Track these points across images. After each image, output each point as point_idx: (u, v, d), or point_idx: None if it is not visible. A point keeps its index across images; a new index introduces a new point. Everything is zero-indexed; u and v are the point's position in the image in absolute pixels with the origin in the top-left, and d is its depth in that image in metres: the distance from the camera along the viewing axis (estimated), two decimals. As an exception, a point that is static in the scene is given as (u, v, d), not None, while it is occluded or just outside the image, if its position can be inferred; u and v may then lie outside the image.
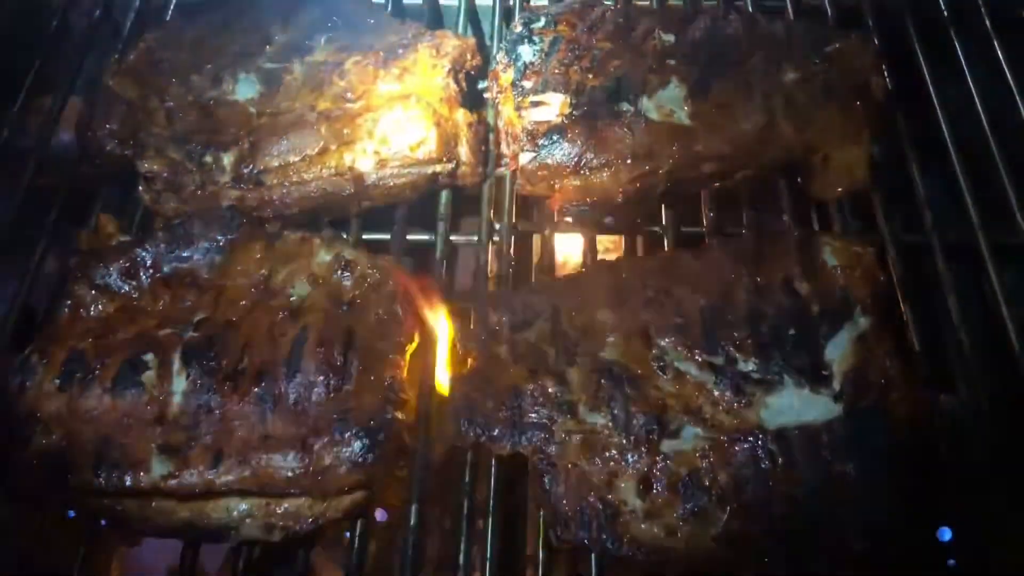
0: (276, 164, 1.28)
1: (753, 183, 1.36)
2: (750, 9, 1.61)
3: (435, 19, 1.63)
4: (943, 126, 1.43)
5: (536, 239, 1.38)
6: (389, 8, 1.63)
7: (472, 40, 1.47)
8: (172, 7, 1.64)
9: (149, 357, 1.14)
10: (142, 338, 1.16)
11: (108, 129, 1.37)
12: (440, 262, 1.32)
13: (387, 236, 1.35)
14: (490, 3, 1.67)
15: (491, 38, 1.58)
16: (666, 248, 1.32)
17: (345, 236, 1.32)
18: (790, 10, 1.60)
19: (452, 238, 1.35)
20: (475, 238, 1.35)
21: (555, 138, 1.29)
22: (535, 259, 1.40)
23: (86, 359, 1.13)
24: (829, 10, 1.59)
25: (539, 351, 1.15)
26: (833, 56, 1.39)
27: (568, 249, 1.53)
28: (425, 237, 1.36)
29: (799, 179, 1.34)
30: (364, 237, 1.35)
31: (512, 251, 1.32)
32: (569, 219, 1.35)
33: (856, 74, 1.37)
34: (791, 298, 1.15)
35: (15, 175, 1.44)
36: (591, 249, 1.31)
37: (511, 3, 1.64)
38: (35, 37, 1.65)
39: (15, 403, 1.10)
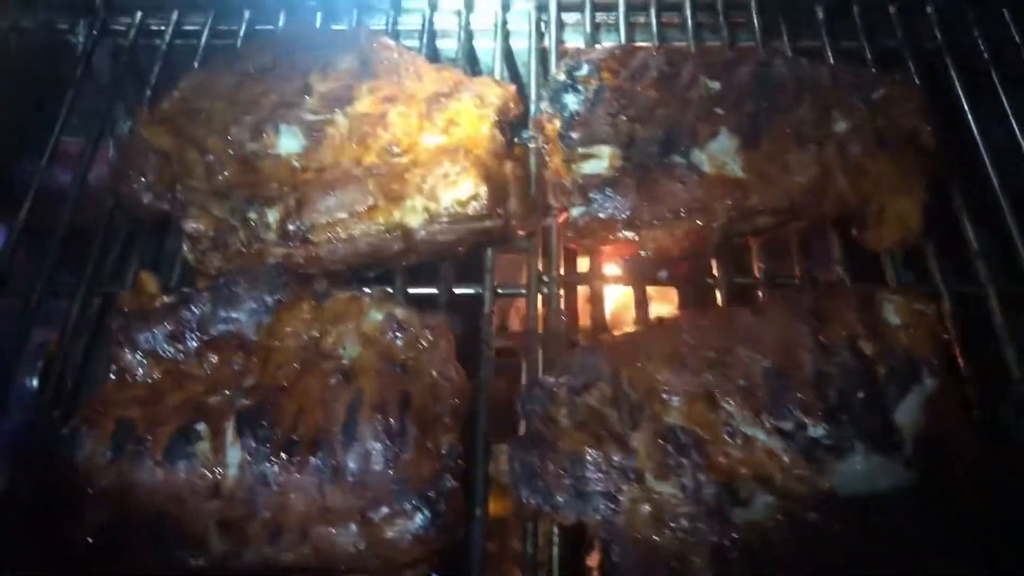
0: (324, 221, 1.25)
1: (803, 232, 1.34)
2: (787, 49, 1.59)
3: (471, 63, 1.61)
4: (990, 170, 1.41)
5: (585, 291, 1.35)
6: (423, 51, 1.61)
7: (513, 88, 1.45)
8: (201, 50, 1.61)
9: (201, 427, 1.10)
10: (192, 405, 1.13)
11: (144, 181, 1.34)
12: (489, 317, 1.29)
13: (434, 290, 1.32)
14: (524, 46, 1.66)
15: (528, 84, 1.55)
16: (719, 300, 1.29)
17: (391, 291, 1.29)
18: (828, 51, 1.58)
19: (500, 291, 1.32)
20: (523, 291, 1.32)
21: (607, 192, 1.27)
22: (585, 312, 1.38)
23: (136, 430, 1.10)
24: (868, 51, 1.58)
25: (600, 414, 1.13)
26: (880, 103, 1.38)
27: (618, 300, 1.51)
28: (471, 291, 1.34)
29: (854, 231, 1.31)
30: (410, 291, 1.32)
31: (563, 304, 1.30)
32: (619, 271, 1.33)
33: (904, 121, 1.35)
34: (856, 359, 1.13)
35: (47, 224, 1.41)
36: (642, 302, 1.29)
37: (546, 45, 1.62)
38: (58, 80, 1.62)
39: (64, 477, 1.07)
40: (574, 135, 1.33)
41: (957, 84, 1.52)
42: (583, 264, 1.37)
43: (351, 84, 1.39)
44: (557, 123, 1.37)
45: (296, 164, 1.31)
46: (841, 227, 1.34)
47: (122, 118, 1.66)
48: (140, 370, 1.18)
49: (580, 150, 1.31)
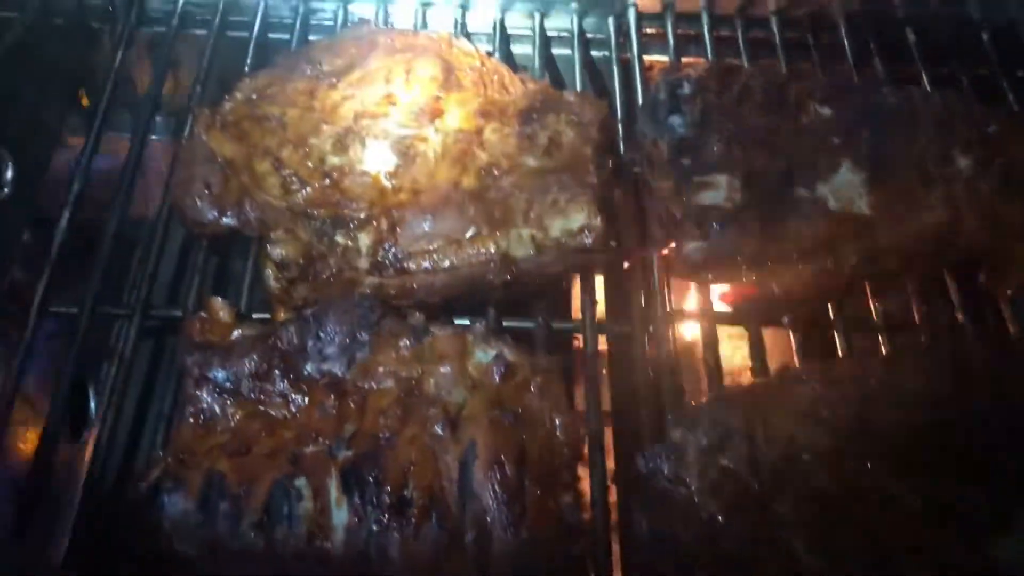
0: (421, 248, 1.13)
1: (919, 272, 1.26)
2: (880, 71, 1.51)
3: (550, 71, 1.50)
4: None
5: (694, 331, 1.26)
6: (497, 55, 1.49)
7: (605, 104, 1.34)
8: (252, 44, 1.47)
9: (301, 482, 0.98)
10: (286, 456, 1.01)
11: (208, 194, 1.21)
12: (592, 357, 1.18)
13: (529, 324, 1.21)
14: (599, 55, 1.55)
15: (613, 98, 1.44)
16: (838, 345, 1.21)
17: (492, 327, 1.18)
18: (925, 79, 1.51)
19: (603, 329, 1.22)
20: (627, 328, 1.22)
21: (726, 226, 1.18)
22: (689, 351, 1.29)
23: (227, 486, 0.97)
24: (966, 81, 1.51)
25: (734, 476, 1.04)
26: (996, 139, 1.30)
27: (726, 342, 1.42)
28: (570, 326, 1.23)
29: (981, 275, 1.24)
30: (505, 324, 1.20)
31: (673, 344, 1.20)
32: (728, 309, 1.24)
33: (1022, 159, 1.29)
34: (1007, 422, 1.06)
35: (91, 238, 1.26)
36: (758, 347, 1.20)
37: (628, 55, 1.52)
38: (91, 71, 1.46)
39: (147, 544, 0.93)
40: (686, 161, 1.23)
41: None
42: (686, 298, 1.28)
43: (438, 95, 1.27)
44: (663, 147, 1.26)
45: (387, 183, 1.18)
46: (958, 268, 1.27)
47: (163, 117, 1.50)
48: (221, 413, 1.05)
49: (695, 179, 1.21)
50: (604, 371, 1.26)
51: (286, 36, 1.50)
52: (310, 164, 1.20)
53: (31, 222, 1.29)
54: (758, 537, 0.99)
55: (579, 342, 1.23)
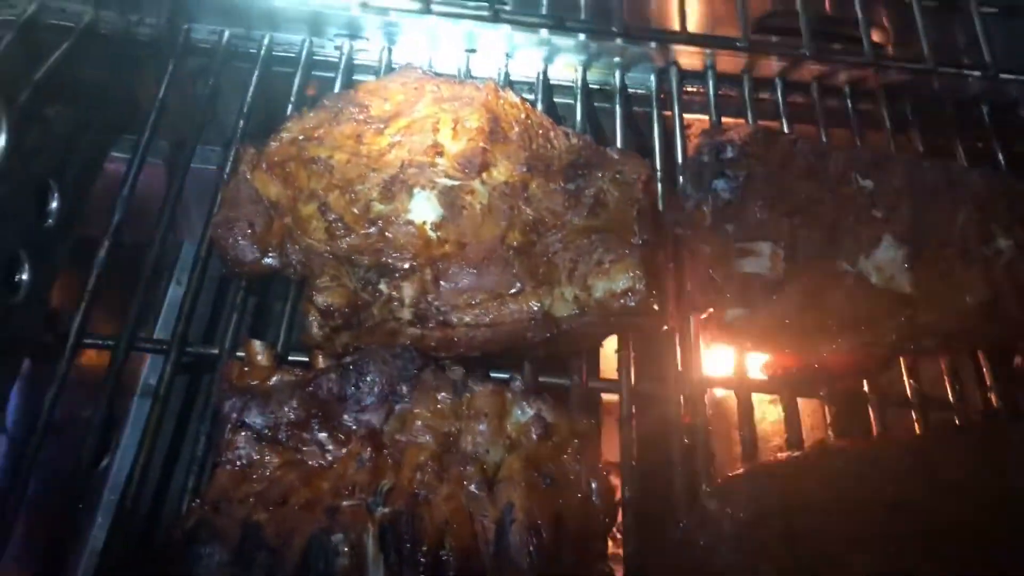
0: (464, 302, 1.13)
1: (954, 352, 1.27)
2: (918, 143, 1.52)
3: (592, 125, 1.50)
4: None
5: (729, 396, 1.26)
6: (540, 106, 1.49)
7: (648, 163, 1.34)
8: (296, 83, 1.47)
9: (338, 538, 0.97)
10: (323, 509, 1.00)
11: (250, 234, 1.20)
12: (628, 419, 1.18)
13: (565, 381, 1.21)
14: (645, 110, 1.56)
15: (654, 157, 1.45)
16: (872, 419, 1.21)
17: (528, 382, 1.17)
18: (961, 153, 1.52)
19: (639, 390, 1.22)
20: (662, 391, 1.22)
21: (769, 295, 1.18)
22: (723, 416, 1.29)
23: (264, 537, 0.96)
24: (1002, 157, 1.52)
25: (770, 551, 1.03)
26: (1033, 219, 1.31)
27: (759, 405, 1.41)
28: (606, 385, 1.23)
29: (1017, 358, 1.25)
30: (541, 380, 1.20)
31: (707, 409, 1.20)
32: (764, 377, 1.24)
33: (1060, 241, 1.30)
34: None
35: (126, 265, 1.26)
36: (794, 419, 1.20)
37: (669, 112, 1.53)
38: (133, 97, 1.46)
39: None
40: (729, 227, 1.24)
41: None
42: (722, 364, 1.28)
43: (485, 147, 1.27)
44: (707, 211, 1.27)
45: (432, 234, 1.18)
46: (994, 348, 1.28)
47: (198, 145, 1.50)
48: (257, 460, 1.04)
49: (737, 245, 1.22)
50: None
51: (331, 74, 1.50)
52: (356, 210, 1.20)
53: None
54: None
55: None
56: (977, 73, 1.26)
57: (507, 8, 1.33)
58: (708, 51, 1.53)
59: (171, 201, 1.31)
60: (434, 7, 1.42)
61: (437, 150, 1.26)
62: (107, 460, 1.39)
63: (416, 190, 1.21)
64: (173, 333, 1.19)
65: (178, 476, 1.16)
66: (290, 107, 1.42)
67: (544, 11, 1.49)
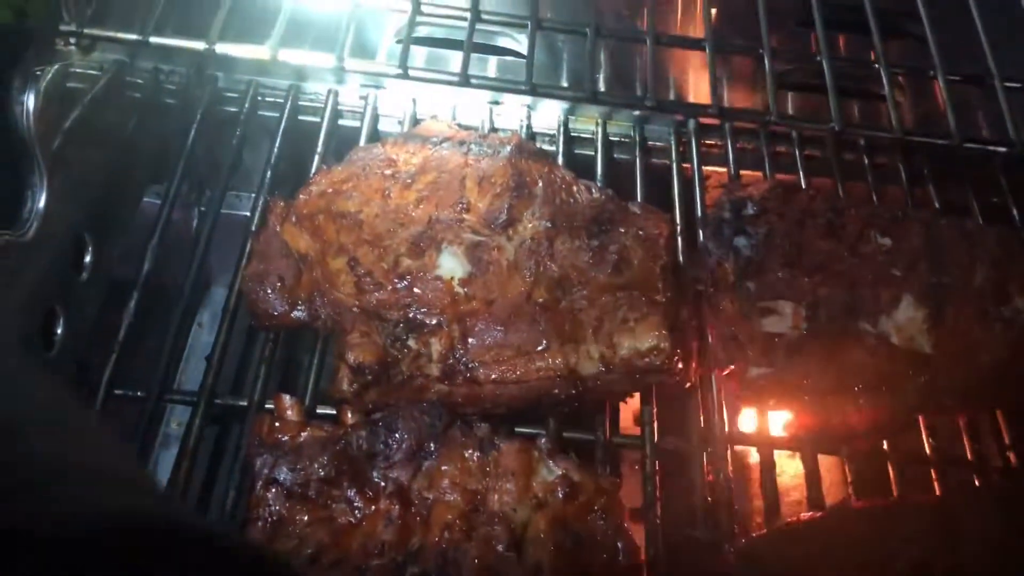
0: (492, 359, 1.15)
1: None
2: (934, 199, 1.54)
3: (612, 177, 1.52)
4: None
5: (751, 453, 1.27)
6: (562, 159, 1.52)
7: (670, 218, 1.37)
8: (323, 131, 1.50)
9: (369, 598, 0.99)
10: (352, 567, 1.01)
11: (279, 287, 1.22)
12: (652, 475, 1.19)
13: (589, 436, 1.22)
14: (664, 162, 1.58)
15: (674, 211, 1.47)
16: (892, 480, 1.22)
17: (545, 437, 1.18)
18: (976, 208, 1.54)
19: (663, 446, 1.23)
20: (685, 447, 1.23)
21: (791, 354, 1.20)
22: (744, 476, 1.30)
23: (297, 598, 0.97)
24: (1016, 213, 1.54)
25: (795, 613, 1.04)
26: (1050, 278, 1.33)
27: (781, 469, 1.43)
28: (626, 441, 1.25)
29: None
30: (565, 435, 1.22)
31: (730, 467, 1.21)
32: (785, 435, 1.26)
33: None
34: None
35: (151, 315, 1.28)
36: (814, 478, 1.21)
37: (687, 164, 1.55)
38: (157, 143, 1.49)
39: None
40: (751, 285, 1.26)
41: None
42: (744, 421, 1.29)
43: (510, 203, 1.29)
44: (728, 268, 1.29)
45: (460, 290, 1.20)
46: (1011, 407, 1.29)
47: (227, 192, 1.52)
48: (288, 517, 1.06)
49: (760, 304, 1.24)
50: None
51: (356, 123, 1.53)
52: (384, 265, 1.22)
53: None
54: None
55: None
56: (1003, 149, 1.29)
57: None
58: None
59: (200, 249, 1.33)
60: (472, 81, 1.42)
61: (464, 206, 1.28)
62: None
63: (444, 246, 1.23)
64: (202, 385, 1.21)
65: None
66: (316, 158, 1.45)
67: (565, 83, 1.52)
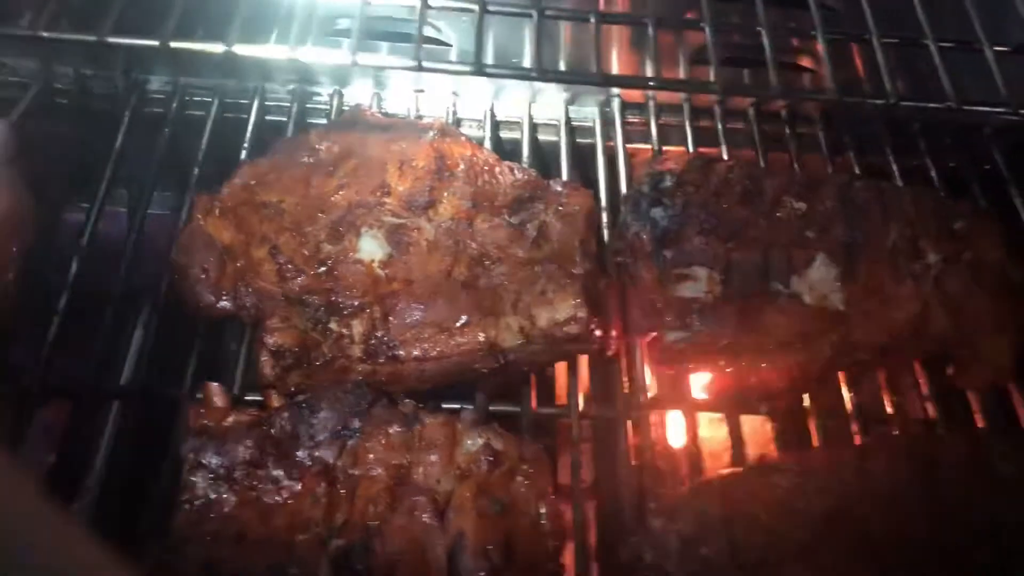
0: (413, 337, 1.17)
1: (891, 365, 1.32)
2: (854, 165, 1.58)
3: (538, 158, 1.55)
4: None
5: (675, 417, 1.30)
6: (488, 143, 1.54)
7: (591, 194, 1.39)
8: (250, 128, 1.52)
9: (293, 572, 1.00)
10: (279, 545, 1.03)
11: (204, 279, 1.24)
12: (576, 443, 1.22)
13: (516, 408, 1.25)
14: (589, 142, 1.61)
15: (598, 187, 1.50)
16: (813, 436, 1.26)
17: (472, 410, 1.21)
18: (896, 171, 1.57)
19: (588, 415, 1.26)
20: (610, 414, 1.26)
21: (707, 318, 1.23)
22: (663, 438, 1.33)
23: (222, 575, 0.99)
24: (934, 174, 1.58)
25: (715, 567, 1.07)
26: (963, 234, 1.37)
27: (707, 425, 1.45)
28: (556, 411, 1.27)
29: (949, 369, 1.30)
30: (492, 408, 1.24)
31: (654, 431, 1.24)
32: (707, 397, 1.29)
33: (990, 255, 1.35)
34: (977, 517, 1.10)
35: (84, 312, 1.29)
36: (737, 436, 1.24)
37: (612, 144, 1.58)
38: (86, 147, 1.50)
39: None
40: (668, 254, 1.28)
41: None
42: (667, 386, 1.32)
43: (431, 185, 1.32)
44: (646, 238, 1.31)
45: (380, 272, 1.22)
46: (929, 362, 1.33)
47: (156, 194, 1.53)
48: (215, 500, 1.08)
49: (675, 271, 1.26)
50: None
51: (283, 118, 1.55)
52: (306, 252, 1.24)
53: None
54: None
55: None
56: (880, 101, 1.32)
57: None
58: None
59: (128, 252, 1.34)
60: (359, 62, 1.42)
61: (385, 190, 1.31)
62: (76, 505, 1.41)
63: (364, 230, 1.26)
64: (133, 379, 1.23)
65: (144, 519, 1.18)
66: (243, 153, 1.47)
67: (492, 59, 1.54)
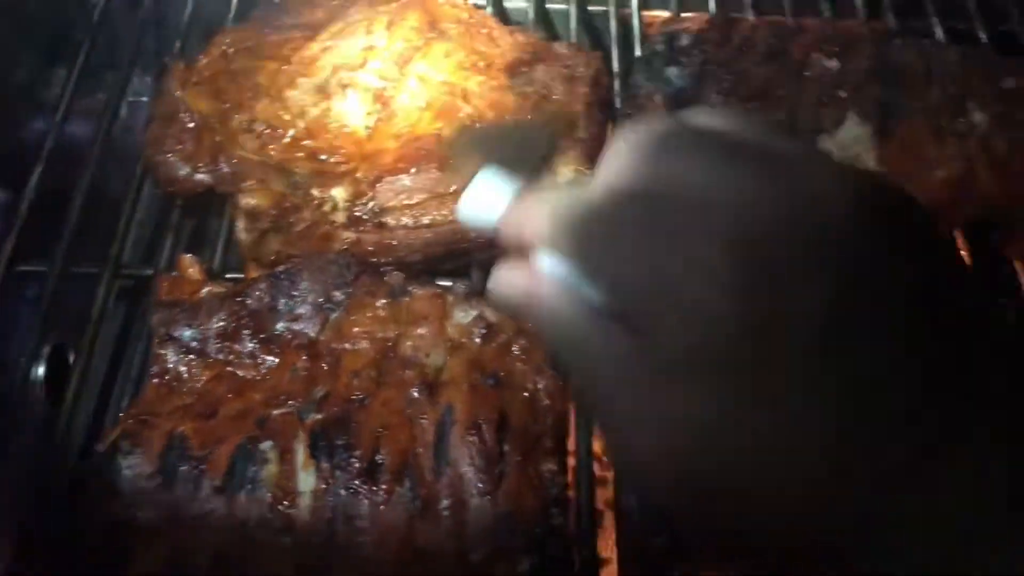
0: (401, 203, 1.08)
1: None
2: (892, 27, 1.44)
3: (545, 26, 1.43)
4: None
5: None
6: (491, 10, 1.42)
7: (599, 56, 1.27)
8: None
9: (267, 445, 0.93)
10: (252, 418, 0.96)
11: (180, 150, 1.16)
12: (581, 320, 1.12)
13: (515, 287, 1.15)
14: (597, 10, 1.49)
15: (610, 53, 1.37)
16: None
17: (465, 285, 1.12)
18: (940, 34, 1.43)
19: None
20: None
21: (723, 181, 1.11)
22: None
23: (189, 448, 0.92)
24: (982, 35, 1.43)
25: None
26: (1014, 93, 1.23)
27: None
28: (558, 288, 1.17)
29: (994, 235, 1.18)
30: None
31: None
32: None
33: (1039, 114, 1.21)
34: None
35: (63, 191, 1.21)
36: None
37: (627, 11, 1.45)
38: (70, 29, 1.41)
39: (104, 509, 0.88)
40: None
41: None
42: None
43: (421, 46, 1.21)
44: (658, 99, 1.20)
45: (365, 135, 1.12)
46: (971, 228, 1.20)
47: (139, 76, 1.44)
48: (186, 374, 1.00)
49: (691, 132, 1.15)
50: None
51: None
52: (286, 117, 1.15)
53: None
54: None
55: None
56: None
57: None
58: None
59: (104, 123, 1.26)
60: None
61: (370, 51, 1.20)
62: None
63: (348, 91, 1.16)
64: (107, 256, 1.15)
65: (116, 396, 1.12)
66: (228, 23, 1.37)
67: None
